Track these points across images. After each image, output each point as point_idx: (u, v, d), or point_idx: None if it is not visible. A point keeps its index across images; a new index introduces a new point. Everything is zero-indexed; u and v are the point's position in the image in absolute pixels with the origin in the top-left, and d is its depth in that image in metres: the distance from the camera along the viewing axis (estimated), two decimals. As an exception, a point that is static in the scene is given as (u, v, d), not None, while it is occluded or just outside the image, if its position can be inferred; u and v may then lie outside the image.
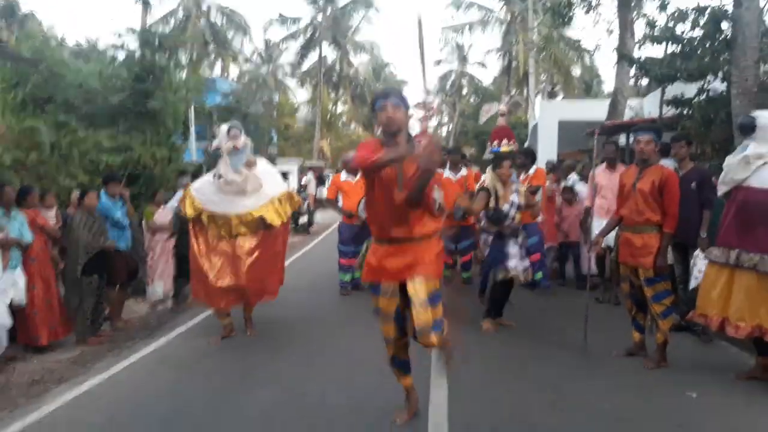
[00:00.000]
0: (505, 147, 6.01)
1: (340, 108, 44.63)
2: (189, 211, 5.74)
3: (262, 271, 5.77)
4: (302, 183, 20.69)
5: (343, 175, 7.94)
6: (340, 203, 7.95)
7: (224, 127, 5.96)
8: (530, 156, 7.69)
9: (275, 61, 40.68)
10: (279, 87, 39.65)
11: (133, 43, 11.10)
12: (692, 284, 5.71)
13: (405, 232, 3.37)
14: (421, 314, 3.29)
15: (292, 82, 41.46)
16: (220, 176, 5.70)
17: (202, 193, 5.77)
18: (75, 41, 16.38)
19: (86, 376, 4.93)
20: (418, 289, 3.32)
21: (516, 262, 5.95)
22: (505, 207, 5.84)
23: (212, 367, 5.09)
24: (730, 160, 4.58)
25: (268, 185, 5.92)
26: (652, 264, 4.77)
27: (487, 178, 5.98)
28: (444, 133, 55.56)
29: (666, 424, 3.86)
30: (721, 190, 4.68)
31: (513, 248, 5.97)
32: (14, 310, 5.49)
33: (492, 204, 5.82)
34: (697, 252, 5.68)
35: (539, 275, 6.73)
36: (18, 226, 5.56)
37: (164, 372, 5.04)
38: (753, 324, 4.31)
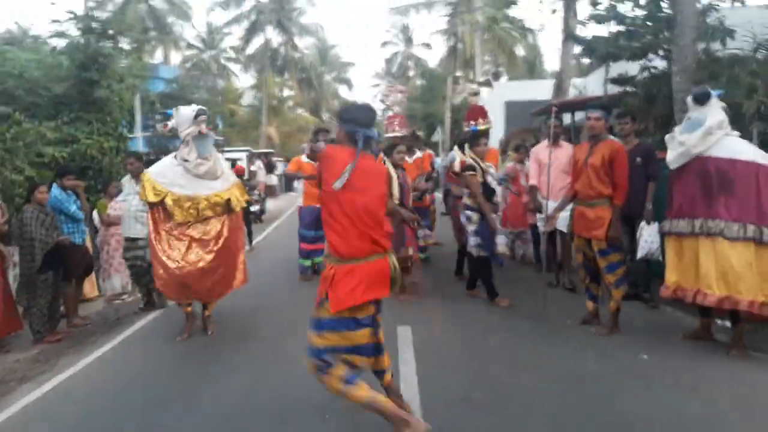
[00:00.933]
0: (482, 125, 6.37)
1: (287, 93, 44.10)
2: (150, 197, 5.49)
3: (228, 258, 5.67)
4: (251, 170, 20.48)
5: (305, 158, 7.96)
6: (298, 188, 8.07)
7: (188, 111, 5.78)
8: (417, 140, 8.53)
9: (218, 45, 39.88)
10: (223, 72, 38.89)
11: (73, 30, 10.66)
12: (639, 254, 6.02)
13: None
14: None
15: (235, 68, 40.77)
16: (185, 160, 5.59)
17: (163, 176, 5.54)
18: (5, 28, 15.65)
19: (51, 373, 4.87)
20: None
21: (501, 238, 6.34)
22: (489, 179, 6.22)
23: (180, 359, 5.09)
24: (687, 136, 4.72)
25: (227, 171, 5.91)
26: (605, 235, 5.02)
27: (464, 156, 6.25)
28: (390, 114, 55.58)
29: (621, 382, 4.12)
30: (678, 162, 4.80)
31: (496, 224, 6.29)
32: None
33: (481, 179, 6.13)
34: (643, 223, 5.98)
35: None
36: (-32, 222, 5.38)
37: (131, 366, 5.02)
38: (721, 293, 4.45)
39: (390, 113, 8.47)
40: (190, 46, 38.43)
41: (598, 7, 8.15)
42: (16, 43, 13.94)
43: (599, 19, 7.76)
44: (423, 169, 7.87)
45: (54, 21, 10.72)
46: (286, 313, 6.31)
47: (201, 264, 5.48)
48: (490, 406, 3.76)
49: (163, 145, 19.84)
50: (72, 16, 10.70)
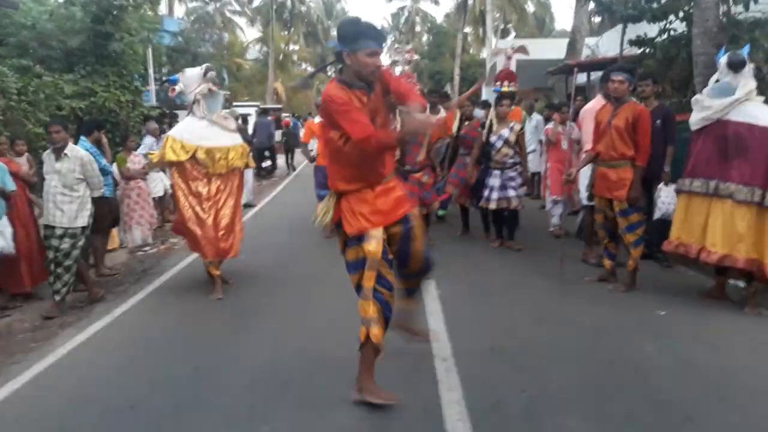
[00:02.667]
0: (506, 87, 7.00)
1: (292, 47, 43.58)
2: (181, 155, 5.53)
3: (235, 216, 5.76)
4: (261, 125, 20.44)
5: (317, 119, 8.02)
6: (313, 148, 8.15)
7: (196, 70, 5.88)
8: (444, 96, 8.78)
9: (223, -2, 39.23)
10: (227, 26, 38.36)
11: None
12: (656, 215, 6.16)
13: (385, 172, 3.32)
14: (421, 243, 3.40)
15: (240, 21, 40.19)
16: (203, 117, 5.69)
17: (189, 133, 5.62)
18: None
19: (89, 320, 5.07)
20: (417, 220, 3.41)
21: (489, 193, 6.85)
22: (493, 138, 6.79)
23: (212, 307, 5.29)
24: (715, 101, 4.81)
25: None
26: (626, 196, 5.15)
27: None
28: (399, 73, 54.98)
29: (639, 335, 4.32)
30: (699, 125, 4.95)
31: (494, 180, 6.82)
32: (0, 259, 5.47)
33: (483, 138, 6.76)
34: (661, 185, 6.11)
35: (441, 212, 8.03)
36: None
37: (167, 314, 5.22)
38: (723, 252, 4.70)
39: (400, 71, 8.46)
40: (194, -3, 37.81)
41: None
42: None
43: (621, -20, 7.71)
44: (447, 131, 7.83)
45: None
46: (306, 267, 6.56)
47: (225, 220, 5.62)
48: (517, 355, 3.96)
49: (170, 100, 19.80)
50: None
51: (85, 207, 5.55)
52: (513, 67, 7.52)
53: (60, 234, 5.39)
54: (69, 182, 5.43)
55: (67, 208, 5.42)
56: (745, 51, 4.87)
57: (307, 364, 3.88)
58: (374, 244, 3.19)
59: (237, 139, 5.83)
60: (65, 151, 5.44)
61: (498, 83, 6.91)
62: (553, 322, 4.60)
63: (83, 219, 5.52)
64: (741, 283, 5.19)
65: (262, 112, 19.81)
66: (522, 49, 7.90)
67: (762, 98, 4.84)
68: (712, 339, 4.24)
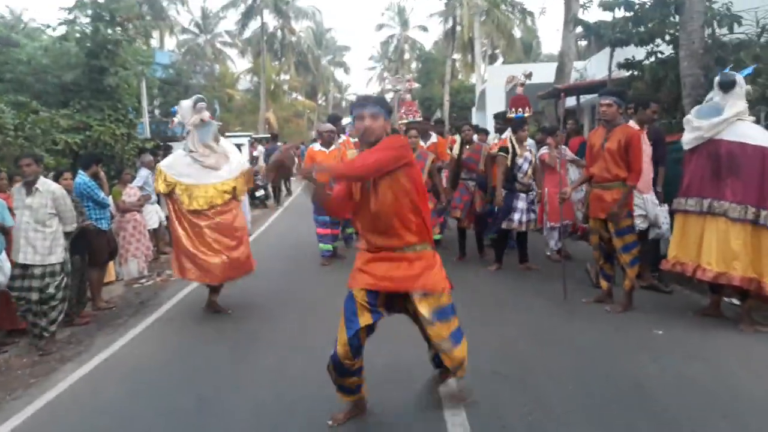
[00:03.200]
0: (527, 113, 7.61)
1: (283, 77, 44.02)
2: (161, 187, 5.81)
3: (243, 243, 5.94)
4: (254, 155, 20.55)
5: (317, 146, 8.10)
6: None
7: (188, 102, 5.99)
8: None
9: (212, 30, 39.71)
10: (218, 57, 38.78)
11: (82, 17, 10.73)
12: (650, 236, 6.21)
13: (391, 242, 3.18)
14: (433, 329, 3.19)
15: (231, 52, 40.65)
16: (191, 151, 5.80)
17: (173, 168, 5.83)
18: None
19: (89, 354, 5.05)
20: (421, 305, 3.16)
21: (520, 216, 7.00)
22: (520, 161, 7.00)
23: (211, 338, 5.29)
24: (703, 122, 4.94)
25: (234, 158, 6.08)
26: (608, 211, 5.27)
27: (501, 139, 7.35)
28: (389, 99, 55.58)
29: (640, 353, 4.36)
30: (691, 144, 5.05)
31: (521, 203, 7.01)
32: (-2, 294, 5.44)
33: (509, 163, 6.98)
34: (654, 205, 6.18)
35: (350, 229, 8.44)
36: (-1, 209, 5.45)
37: (167, 346, 5.21)
38: (719, 270, 4.78)
39: (403, 100, 8.77)
40: (185, 30, 38.28)
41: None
42: (13, 30, 13.97)
43: (606, 6, 7.89)
44: (439, 155, 8.00)
45: (62, 8, 10.76)
46: (305, 294, 6.56)
47: (225, 252, 5.74)
48: (517, 378, 3.99)
49: (162, 131, 19.93)
50: (81, 3, 10.76)
51: (58, 243, 5.41)
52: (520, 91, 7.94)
53: (39, 274, 5.23)
54: (41, 217, 5.27)
55: (39, 244, 5.24)
56: (745, 72, 5.00)
57: (310, 390, 3.89)
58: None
59: (221, 176, 5.82)
60: (36, 185, 5.29)
61: (519, 109, 7.46)
62: (553, 344, 4.64)
63: (57, 255, 5.39)
64: (735, 301, 5.24)
65: (272, 138, 20.00)
66: (530, 75, 8.38)
67: (752, 118, 4.96)
68: (710, 356, 4.29)
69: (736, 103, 4.83)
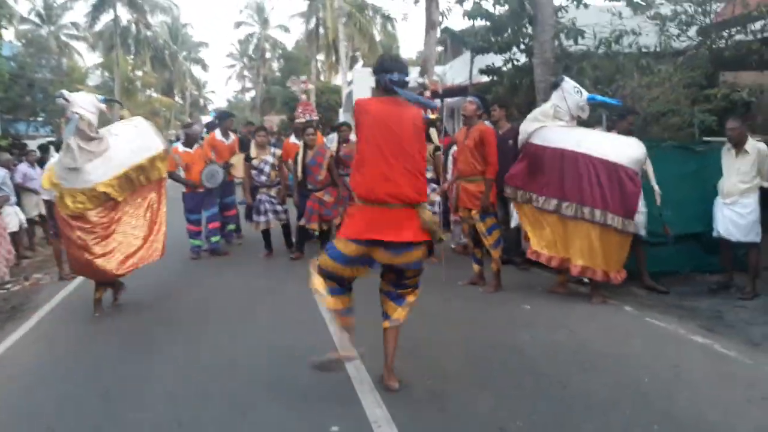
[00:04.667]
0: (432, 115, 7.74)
1: (138, 73, 41.82)
2: (45, 184, 5.56)
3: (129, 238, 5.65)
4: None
5: (181, 147, 8.16)
6: (182, 173, 8.18)
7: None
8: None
9: (56, 21, 36.76)
10: (64, 50, 35.97)
11: None
12: (512, 224, 6.96)
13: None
14: None
15: (79, 46, 37.91)
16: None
17: (54, 170, 5.47)
18: None
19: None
20: None
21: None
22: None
23: (110, 331, 5.25)
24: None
25: (121, 153, 5.54)
26: (479, 206, 5.90)
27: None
28: (248, 99, 54.64)
29: (513, 327, 4.98)
30: (519, 143, 6.11)
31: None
32: None
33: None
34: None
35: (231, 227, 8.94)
36: None
37: (60, 340, 5.07)
38: (561, 257, 5.68)
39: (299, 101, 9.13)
40: (24, 20, 35.06)
41: (463, 3, 9.03)
42: None
43: (469, 15, 8.62)
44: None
45: None
46: (194, 287, 6.62)
47: (108, 251, 5.48)
48: (414, 349, 4.31)
49: (13, 129, 18.23)
50: None
51: None
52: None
53: None
54: None
55: None
56: (589, 96, 5.92)
57: (222, 377, 4.04)
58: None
59: (91, 179, 5.30)
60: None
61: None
62: (439, 321, 5.11)
63: None
64: (586, 279, 6.04)
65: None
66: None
67: (562, 123, 5.83)
68: (571, 324, 4.99)
69: (546, 104, 5.98)
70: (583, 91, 5.87)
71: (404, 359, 4.18)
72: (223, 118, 9.45)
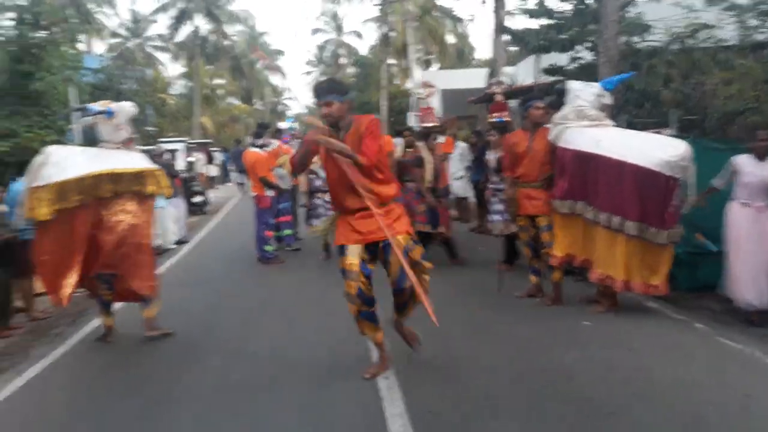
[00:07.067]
0: (507, 118, 7.68)
1: (217, 81, 43.32)
2: (44, 211, 4.84)
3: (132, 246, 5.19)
4: (190, 160, 20.20)
5: (260, 151, 8.41)
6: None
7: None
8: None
9: (143, 34, 38.67)
10: (149, 61, 37.77)
11: (4, 21, 10.37)
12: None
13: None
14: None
15: (163, 57, 39.66)
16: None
17: (63, 168, 5.08)
18: None
19: (27, 364, 4.88)
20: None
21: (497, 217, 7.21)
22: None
23: (157, 343, 5.25)
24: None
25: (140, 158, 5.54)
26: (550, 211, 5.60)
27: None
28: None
29: (569, 346, 4.63)
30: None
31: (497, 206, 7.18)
32: None
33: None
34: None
35: (287, 231, 8.99)
36: None
37: (108, 354, 5.14)
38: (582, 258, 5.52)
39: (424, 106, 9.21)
40: (114, 34, 37.10)
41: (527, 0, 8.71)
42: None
43: (531, 14, 8.30)
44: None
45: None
46: (248, 295, 6.59)
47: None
48: (452, 370, 4.19)
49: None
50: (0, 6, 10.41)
51: None
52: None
53: None
54: None
55: None
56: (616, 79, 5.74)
57: (254, 395, 3.99)
58: (350, 258, 3.85)
59: (126, 160, 5.29)
60: None
61: (496, 115, 7.75)
62: (490, 336, 4.89)
63: None
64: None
65: (237, 143, 20.01)
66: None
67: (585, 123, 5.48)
68: (633, 344, 4.62)
69: (565, 107, 5.59)
70: (591, 83, 5.71)
71: (443, 383, 4.01)
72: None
